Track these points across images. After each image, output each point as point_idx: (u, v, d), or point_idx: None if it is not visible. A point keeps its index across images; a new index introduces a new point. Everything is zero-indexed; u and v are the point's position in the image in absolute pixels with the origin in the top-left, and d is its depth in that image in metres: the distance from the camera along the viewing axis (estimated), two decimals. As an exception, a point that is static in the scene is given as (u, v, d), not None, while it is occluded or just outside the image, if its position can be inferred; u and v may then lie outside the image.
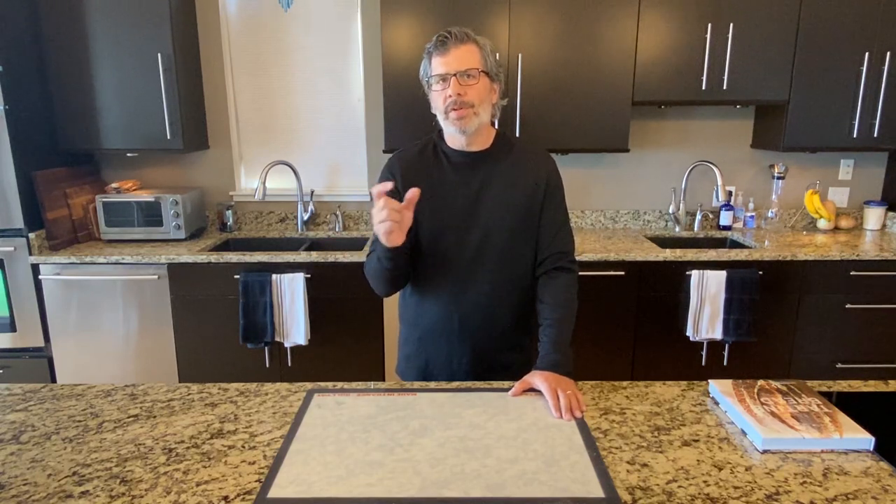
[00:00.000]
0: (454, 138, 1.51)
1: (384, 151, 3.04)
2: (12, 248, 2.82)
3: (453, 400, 1.32)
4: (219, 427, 1.21)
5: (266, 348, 2.90)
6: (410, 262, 1.52)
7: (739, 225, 3.36)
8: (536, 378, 1.35)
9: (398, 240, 1.30)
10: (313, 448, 1.13)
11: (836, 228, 3.31)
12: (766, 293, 2.81)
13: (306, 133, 3.38)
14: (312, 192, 3.39)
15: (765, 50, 2.88)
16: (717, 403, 1.31)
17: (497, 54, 1.48)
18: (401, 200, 1.52)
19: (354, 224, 3.46)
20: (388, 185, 1.26)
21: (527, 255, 1.55)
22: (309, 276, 2.80)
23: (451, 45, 1.39)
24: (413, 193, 1.29)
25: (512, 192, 1.50)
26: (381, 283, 1.49)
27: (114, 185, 3.14)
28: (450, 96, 1.40)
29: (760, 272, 2.76)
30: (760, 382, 1.34)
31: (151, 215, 3.03)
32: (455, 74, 1.39)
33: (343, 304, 2.87)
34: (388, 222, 1.25)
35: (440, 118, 1.47)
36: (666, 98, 2.96)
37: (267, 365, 2.93)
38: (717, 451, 1.12)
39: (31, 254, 2.82)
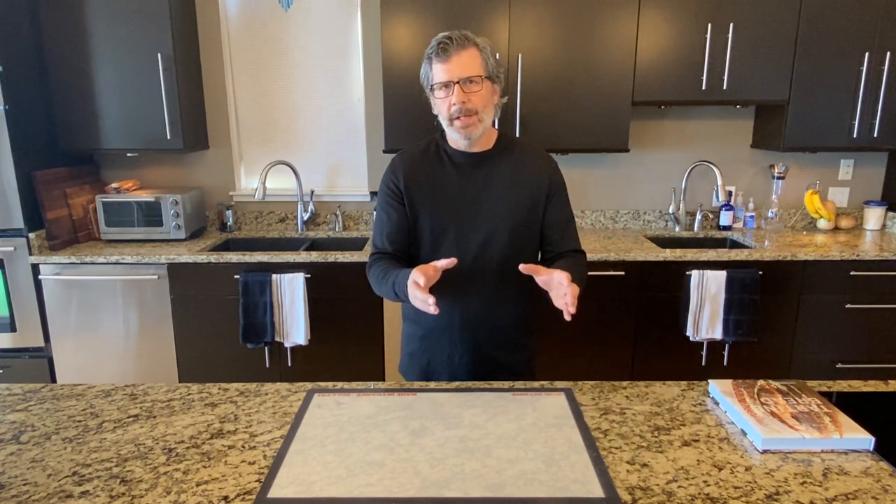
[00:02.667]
0: (457, 140, 1.51)
1: (384, 151, 3.04)
2: (12, 248, 2.81)
3: (453, 400, 1.32)
4: (219, 427, 1.21)
5: (266, 348, 2.90)
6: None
7: (739, 225, 3.36)
8: (558, 272, 1.31)
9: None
10: (313, 448, 1.13)
11: (836, 228, 3.31)
12: (766, 293, 2.81)
13: (306, 133, 3.38)
14: (312, 192, 3.39)
15: (765, 50, 2.88)
16: (717, 403, 1.31)
17: (497, 54, 1.48)
18: (402, 201, 1.53)
19: (354, 224, 3.46)
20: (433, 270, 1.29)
21: (528, 256, 1.55)
22: (309, 276, 2.80)
23: (452, 51, 1.39)
24: (448, 262, 1.30)
25: (514, 193, 1.51)
26: (387, 298, 1.50)
27: (114, 185, 3.14)
28: (454, 104, 1.41)
29: (760, 272, 2.76)
30: (760, 382, 1.34)
31: (151, 215, 3.03)
32: (458, 82, 1.39)
33: (343, 304, 2.86)
34: (431, 301, 1.25)
35: (444, 124, 1.48)
36: (666, 98, 2.96)
37: (267, 365, 2.93)
38: (717, 451, 1.12)
39: (31, 254, 2.82)
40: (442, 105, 1.44)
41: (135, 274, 2.83)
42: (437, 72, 1.41)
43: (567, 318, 1.27)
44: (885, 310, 2.84)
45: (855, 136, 2.94)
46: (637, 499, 0.98)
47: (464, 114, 1.41)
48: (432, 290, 1.55)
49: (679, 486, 1.01)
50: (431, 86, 1.44)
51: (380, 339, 2.90)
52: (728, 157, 3.35)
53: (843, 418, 1.18)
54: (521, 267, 1.34)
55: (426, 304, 1.24)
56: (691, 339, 2.82)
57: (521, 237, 1.52)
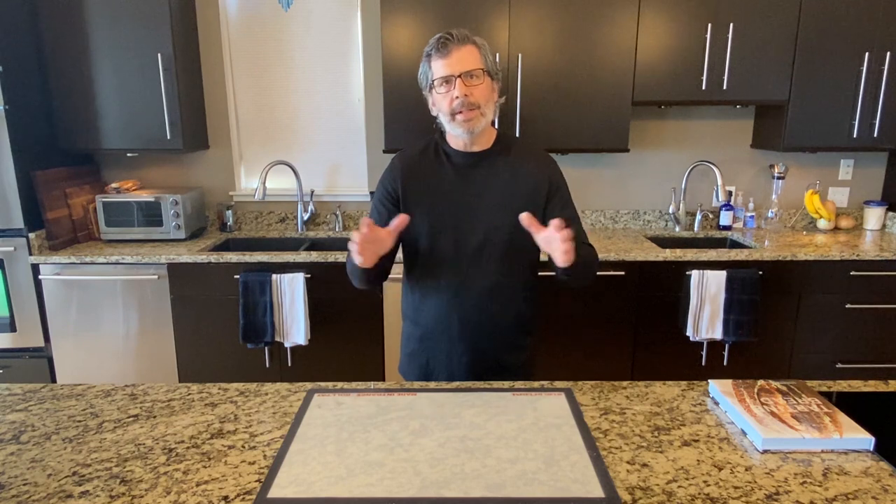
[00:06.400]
0: (456, 139, 1.51)
1: (384, 151, 3.04)
2: (12, 248, 2.81)
3: (453, 400, 1.32)
4: (219, 427, 1.21)
5: (266, 348, 2.90)
6: (387, 267, 1.55)
7: (739, 225, 3.36)
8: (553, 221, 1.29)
9: (368, 263, 1.35)
10: (313, 448, 1.13)
11: (836, 228, 3.31)
12: (766, 293, 2.81)
13: (306, 133, 3.38)
14: (312, 192, 3.39)
15: (765, 50, 2.88)
16: (717, 403, 1.31)
17: (496, 54, 1.48)
18: (396, 202, 1.53)
19: (354, 224, 3.46)
20: (368, 225, 1.29)
21: (526, 256, 1.55)
22: (309, 276, 2.80)
23: (452, 46, 1.40)
24: (400, 221, 1.32)
25: (512, 192, 1.51)
26: (358, 281, 1.53)
27: (114, 185, 3.14)
28: (456, 98, 1.41)
29: (760, 272, 2.76)
30: (760, 382, 1.34)
31: (151, 215, 3.03)
32: (460, 75, 1.40)
33: (343, 304, 2.86)
34: (358, 249, 1.30)
35: (445, 120, 1.48)
36: (666, 98, 2.96)
37: (267, 365, 2.93)
38: (717, 451, 1.12)
39: (31, 254, 2.82)
40: (443, 100, 1.44)
41: (135, 274, 2.83)
42: (438, 67, 1.42)
43: (563, 263, 1.28)
44: (885, 310, 2.84)
45: (855, 136, 2.94)
46: (637, 499, 0.98)
47: (466, 107, 1.41)
48: (431, 288, 1.55)
49: (679, 486, 1.01)
50: (431, 82, 1.44)
51: (380, 339, 2.91)
52: (728, 157, 3.35)
53: (843, 418, 1.18)
54: (523, 216, 1.31)
55: (353, 249, 1.29)
56: (691, 338, 2.82)
57: (519, 237, 1.51)
